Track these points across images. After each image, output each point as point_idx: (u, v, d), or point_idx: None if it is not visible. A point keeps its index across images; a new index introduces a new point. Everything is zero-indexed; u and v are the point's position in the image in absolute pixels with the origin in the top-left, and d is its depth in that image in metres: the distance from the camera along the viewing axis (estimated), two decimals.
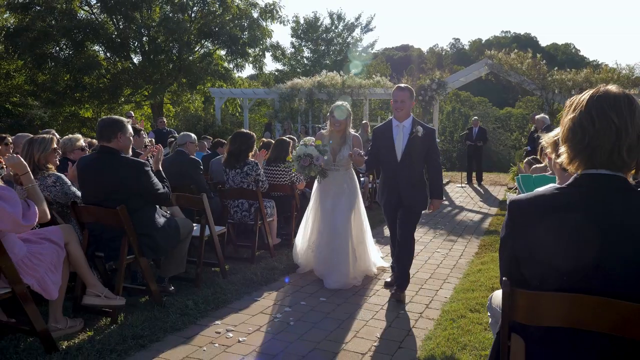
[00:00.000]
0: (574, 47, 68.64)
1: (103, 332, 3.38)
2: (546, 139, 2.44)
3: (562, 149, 1.60)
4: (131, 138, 3.70)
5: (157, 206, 3.87)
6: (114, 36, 20.19)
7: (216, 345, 3.31)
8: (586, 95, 1.56)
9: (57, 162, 4.02)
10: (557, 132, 2.30)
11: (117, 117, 3.72)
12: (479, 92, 40.28)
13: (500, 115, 36.52)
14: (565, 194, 1.56)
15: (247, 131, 5.47)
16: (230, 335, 3.47)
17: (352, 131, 4.77)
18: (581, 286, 1.50)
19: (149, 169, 3.64)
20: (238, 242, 5.70)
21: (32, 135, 4.22)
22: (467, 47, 74.48)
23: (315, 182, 4.84)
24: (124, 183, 3.54)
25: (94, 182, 3.59)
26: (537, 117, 10.45)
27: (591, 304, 1.49)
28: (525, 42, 62.32)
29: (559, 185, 1.65)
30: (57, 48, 20.33)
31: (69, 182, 3.93)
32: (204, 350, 3.23)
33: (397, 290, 4.31)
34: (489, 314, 2.46)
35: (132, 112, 12.97)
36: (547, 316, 1.57)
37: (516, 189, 5.96)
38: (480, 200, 10.51)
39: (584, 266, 1.49)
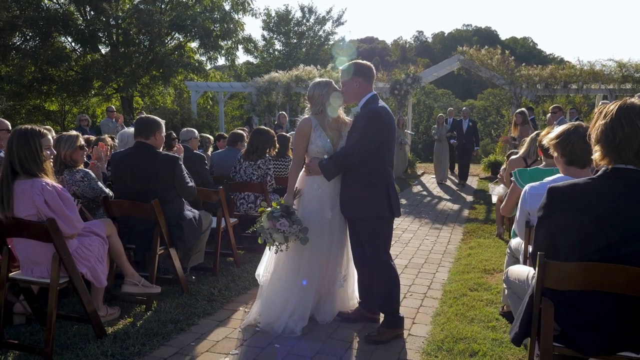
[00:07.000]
0: (532, 40, 71.36)
1: (141, 318, 3.62)
2: (547, 140, 2.89)
3: (596, 147, 1.99)
4: (163, 136, 3.94)
5: (184, 200, 4.12)
6: (82, 27, 19.66)
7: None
8: (614, 105, 1.96)
9: (84, 158, 4.19)
10: (555, 135, 2.76)
11: (153, 117, 3.95)
12: (442, 85, 41.40)
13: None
14: (598, 183, 1.96)
15: (268, 129, 5.70)
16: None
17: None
18: (608, 255, 1.90)
19: (182, 163, 3.90)
20: (242, 233, 5.96)
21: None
22: (430, 40, 76.04)
23: (304, 184, 3.57)
24: (160, 176, 3.80)
25: (131, 175, 3.82)
26: (518, 110, 10.53)
27: (605, 270, 1.91)
28: (486, 35, 64.13)
29: (590, 176, 2.04)
30: (23, 39, 19.66)
31: (96, 178, 4.11)
32: (240, 330, 3.53)
33: (378, 330, 3.38)
34: (504, 286, 2.88)
35: (113, 107, 12.83)
36: (571, 282, 1.99)
37: (497, 181, 6.48)
38: (456, 190, 11.11)
39: (611, 238, 1.90)
